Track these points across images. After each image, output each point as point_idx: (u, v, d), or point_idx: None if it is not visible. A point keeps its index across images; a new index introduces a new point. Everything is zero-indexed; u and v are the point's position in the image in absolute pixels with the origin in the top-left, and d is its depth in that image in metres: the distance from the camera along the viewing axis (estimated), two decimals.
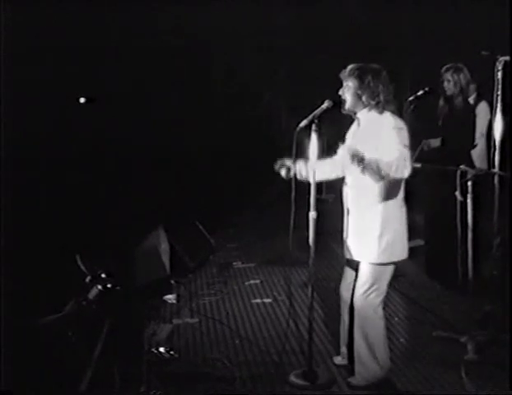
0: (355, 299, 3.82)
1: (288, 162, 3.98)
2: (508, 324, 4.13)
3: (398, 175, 3.54)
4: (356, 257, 3.83)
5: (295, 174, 3.96)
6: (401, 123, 3.67)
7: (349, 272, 3.96)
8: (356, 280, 3.84)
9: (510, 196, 4.63)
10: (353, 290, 3.86)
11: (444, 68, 5.45)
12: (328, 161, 4.04)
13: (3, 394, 3.45)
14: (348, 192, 3.86)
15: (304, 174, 3.98)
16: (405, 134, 3.64)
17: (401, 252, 3.79)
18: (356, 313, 3.81)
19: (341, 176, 3.98)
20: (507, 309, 4.24)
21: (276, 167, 4.02)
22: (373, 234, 3.71)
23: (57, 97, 5.53)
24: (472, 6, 7.00)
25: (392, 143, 3.56)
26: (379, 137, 3.61)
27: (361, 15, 8.37)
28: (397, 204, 3.77)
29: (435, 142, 5.49)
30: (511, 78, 4.54)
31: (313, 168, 3.83)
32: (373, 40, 8.08)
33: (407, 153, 3.57)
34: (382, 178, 3.59)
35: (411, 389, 3.84)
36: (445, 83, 5.43)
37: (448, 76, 5.42)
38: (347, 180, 3.89)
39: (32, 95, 5.14)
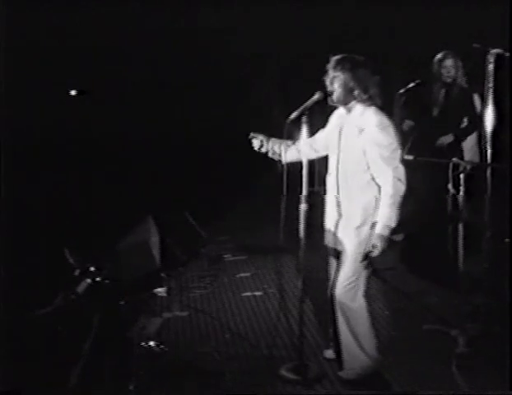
0: (336, 290, 3.76)
1: (261, 136, 4.06)
2: (499, 318, 4.13)
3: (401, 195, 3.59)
4: (337, 247, 3.80)
5: (282, 165, 3.93)
6: (386, 121, 3.63)
7: (334, 264, 3.91)
8: (337, 271, 3.80)
9: (511, 188, 4.59)
10: (334, 281, 3.82)
11: (442, 55, 5.36)
12: (301, 144, 3.96)
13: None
14: (331, 182, 3.83)
15: (277, 151, 4.02)
16: (392, 131, 3.61)
17: None
18: (338, 305, 3.76)
19: (313, 158, 4.06)
20: (498, 302, 4.25)
21: (250, 136, 4.08)
22: (353, 225, 3.68)
23: (46, 89, 5.49)
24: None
25: (385, 158, 3.55)
26: (366, 140, 3.59)
27: (357, 9, 8.33)
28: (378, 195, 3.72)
29: (448, 138, 5.36)
30: (510, 71, 4.54)
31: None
32: (367, 32, 8.04)
33: (399, 166, 3.57)
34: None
35: (401, 382, 3.83)
36: (444, 70, 5.33)
37: (449, 62, 5.32)
38: (330, 170, 3.85)
39: (30, 92, 5.12)
